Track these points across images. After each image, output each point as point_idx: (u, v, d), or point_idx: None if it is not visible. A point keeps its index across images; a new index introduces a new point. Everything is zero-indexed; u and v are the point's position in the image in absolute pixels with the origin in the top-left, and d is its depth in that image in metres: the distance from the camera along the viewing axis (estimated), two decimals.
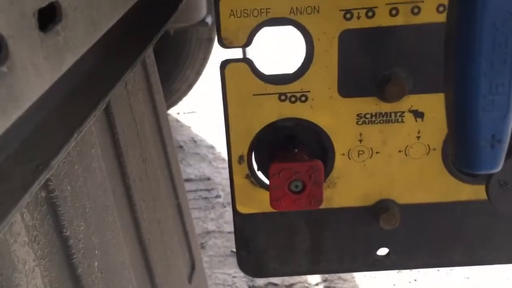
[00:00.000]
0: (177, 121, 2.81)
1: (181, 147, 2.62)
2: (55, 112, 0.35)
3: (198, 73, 2.40)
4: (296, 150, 0.46)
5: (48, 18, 0.29)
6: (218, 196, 2.28)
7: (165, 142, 0.72)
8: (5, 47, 0.23)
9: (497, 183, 0.42)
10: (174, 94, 2.46)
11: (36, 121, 0.34)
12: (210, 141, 2.56)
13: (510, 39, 0.29)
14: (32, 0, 0.26)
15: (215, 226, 2.02)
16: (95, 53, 0.43)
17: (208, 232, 2.02)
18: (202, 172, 2.37)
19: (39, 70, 0.26)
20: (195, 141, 2.63)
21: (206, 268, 1.84)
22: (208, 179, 2.36)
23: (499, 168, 0.32)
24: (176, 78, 2.37)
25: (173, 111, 2.75)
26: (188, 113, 2.80)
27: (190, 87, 2.47)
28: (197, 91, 2.45)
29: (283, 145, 0.47)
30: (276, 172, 0.43)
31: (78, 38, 0.31)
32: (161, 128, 0.71)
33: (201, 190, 2.37)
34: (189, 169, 2.37)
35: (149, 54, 0.68)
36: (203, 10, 1.65)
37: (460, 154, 0.32)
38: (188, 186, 2.44)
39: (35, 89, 0.26)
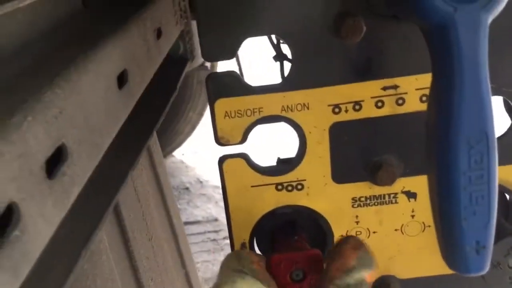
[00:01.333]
0: (182, 162, 2.84)
1: (187, 188, 2.64)
2: (62, 232, 0.37)
3: (201, 114, 2.44)
4: (296, 237, 0.47)
5: (53, 159, 0.31)
6: (226, 238, 2.29)
7: (170, 212, 0.74)
8: (17, 211, 0.25)
9: (490, 263, 0.43)
10: (178, 135, 2.50)
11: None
12: (215, 181, 2.58)
13: (485, 156, 0.31)
14: (41, 153, 0.28)
15: None
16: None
17: None
18: (209, 213, 2.39)
19: (49, 218, 0.28)
20: (200, 182, 2.64)
21: None
22: (216, 220, 2.37)
23: (486, 270, 0.34)
24: (179, 120, 2.41)
25: (177, 152, 2.78)
26: (192, 153, 2.83)
27: (193, 128, 2.51)
28: (199, 131, 2.49)
29: (283, 232, 0.48)
30: (277, 263, 0.44)
31: (83, 169, 0.34)
32: (166, 200, 0.73)
33: (209, 232, 2.38)
34: (196, 210, 2.38)
35: (153, 137, 0.70)
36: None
37: (448, 257, 0.34)
38: (196, 228, 2.45)
39: (44, 237, 0.28)
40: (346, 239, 0.45)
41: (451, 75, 0.30)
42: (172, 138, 2.46)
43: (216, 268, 2.05)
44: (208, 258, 2.11)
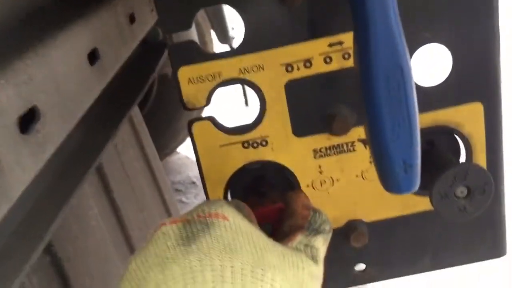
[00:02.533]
0: (187, 157, 2.89)
1: (194, 183, 2.69)
2: (46, 187, 0.42)
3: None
4: (263, 190, 0.52)
5: (27, 118, 0.36)
6: None
7: (162, 189, 0.78)
8: None
9: (438, 195, 0.47)
10: (181, 132, 2.54)
11: (31, 198, 0.40)
12: None
13: (401, 83, 0.35)
14: (13, 111, 0.33)
15: None
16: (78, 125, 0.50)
17: None
18: None
19: (25, 167, 0.33)
20: None
21: None
22: None
23: (415, 188, 0.38)
24: (181, 117, 2.46)
25: (182, 149, 2.84)
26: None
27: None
28: None
29: (253, 188, 0.53)
30: None
31: (57, 129, 0.38)
32: (156, 178, 0.77)
33: None
34: (187, 207, 2.42)
35: (135, 114, 0.75)
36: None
37: (382, 179, 0.38)
38: None
39: (22, 182, 0.33)
40: (295, 195, 0.47)
41: (366, 21, 0.34)
42: (175, 135, 2.51)
43: None
44: None
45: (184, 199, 2.57)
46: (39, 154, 0.35)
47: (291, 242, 0.40)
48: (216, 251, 0.32)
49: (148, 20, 0.71)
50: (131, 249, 0.64)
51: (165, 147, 2.22)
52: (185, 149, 2.85)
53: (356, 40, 0.37)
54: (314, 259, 0.40)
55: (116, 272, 0.57)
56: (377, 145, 0.37)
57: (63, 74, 0.41)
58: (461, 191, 0.47)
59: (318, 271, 0.40)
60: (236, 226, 0.35)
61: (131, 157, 0.68)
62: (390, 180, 0.37)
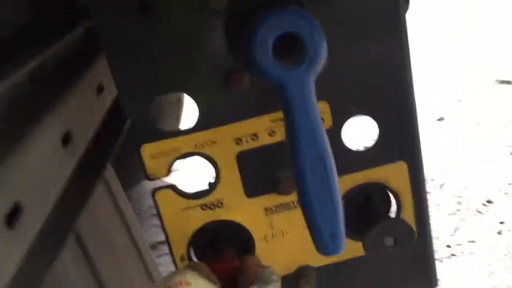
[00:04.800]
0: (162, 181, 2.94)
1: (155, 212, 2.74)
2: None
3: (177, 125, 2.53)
4: (222, 247, 0.59)
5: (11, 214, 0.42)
6: None
7: (135, 238, 0.85)
8: None
9: (369, 245, 0.55)
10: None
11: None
12: None
13: (325, 174, 0.43)
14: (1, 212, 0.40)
15: None
16: None
17: None
18: None
19: (12, 258, 0.40)
20: None
21: None
22: None
23: (341, 251, 0.46)
24: None
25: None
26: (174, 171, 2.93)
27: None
28: None
29: (212, 244, 0.60)
30: None
31: (37, 216, 0.45)
32: (131, 229, 0.84)
33: None
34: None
35: (109, 171, 0.81)
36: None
37: (314, 243, 0.46)
38: (165, 248, 2.54)
39: (10, 272, 0.40)
40: (247, 258, 0.56)
41: (291, 118, 0.42)
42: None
43: None
44: None
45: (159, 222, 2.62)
46: (23, 244, 0.42)
47: None
48: None
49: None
50: None
51: (136, 173, 2.26)
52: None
53: (285, 129, 0.45)
54: None
55: None
56: (308, 220, 0.44)
57: (38, 164, 0.48)
58: (389, 241, 0.55)
59: None
60: None
61: (104, 212, 0.74)
62: (321, 247, 0.45)
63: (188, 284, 0.44)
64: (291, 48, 0.42)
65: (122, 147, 0.73)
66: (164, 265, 1.29)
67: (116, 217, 0.79)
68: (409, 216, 0.60)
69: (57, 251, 0.50)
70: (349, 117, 0.57)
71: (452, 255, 1.80)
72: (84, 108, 0.63)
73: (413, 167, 0.59)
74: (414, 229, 0.56)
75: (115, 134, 0.74)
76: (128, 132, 1.16)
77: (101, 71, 0.73)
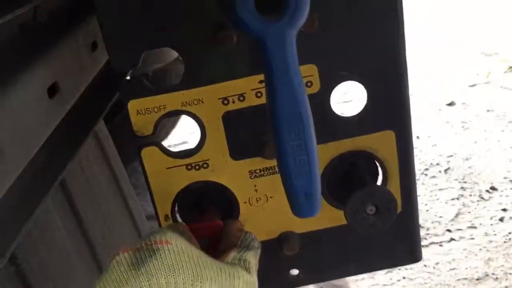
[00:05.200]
0: None
1: None
2: (10, 207, 0.48)
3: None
4: (205, 207, 0.59)
5: None
6: None
7: (127, 198, 0.85)
8: None
9: (351, 211, 0.55)
10: (162, 129, 2.59)
11: None
12: None
13: (301, 129, 0.42)
14: None
15: None
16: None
17: None
18: None
19: None
20: None
21: None
22: None
23: (317, 213, 0.45)
24: None
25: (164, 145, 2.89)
26: (179, 144, 2.94)
27: (176, 120, 2.61)
28: (184, 122, 2.59)
29: (196, 204, 0.60)
30: None
31: (15, 164, 0.45)
32: (122, 189, 0.84)
33: None
34: None
35: (101, 129, 0.82)
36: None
37: (290, 205, 0.46)
38: None
39: None
40: (230, 222, 0.56)
41: (271, 73, 0.41)
42: None
43: None
44: None
45: None
46: (1, 185, 0.42)
47: (227, 258, 0.48)
48: (162, 271, 0.41)
49: None
50: (95, 258, 0.70)
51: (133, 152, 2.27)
52: (166, 145, 2.91)
53: (265, 85, 0.44)
54: (247, 270, 0.48)
55: (80, 281, 0.64)
56: (283, 179, 0.44)
57: (22, 111, 0.48)
58: (370, 209, 0.55)
59: (252, 279, 0.47)
60: (178, 248, 0.43)
61: (95, 171, 0.75)
62: (295, 207, 0.45)
63: (168, 243, 0.44)
64: (274, 3, 0.41)
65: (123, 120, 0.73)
66: None
67: (106, 172, 0.79)
68: (395, 187, 0.59)
69: (40, 198, 0.51)
70: (338, 83, 0.56)
71: (452, 239, 1.79)
72: (75, 62, 0.63)
73: (401, 136, 0.58)
74: (399, 199, 0.55)
75: (108, 93, 0.74)
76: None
77: (97, 28, 0.73)
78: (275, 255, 0.63)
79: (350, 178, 0.59)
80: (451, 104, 2.56)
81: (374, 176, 0.61)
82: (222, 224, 0.55)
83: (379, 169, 0.60)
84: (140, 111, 0.56)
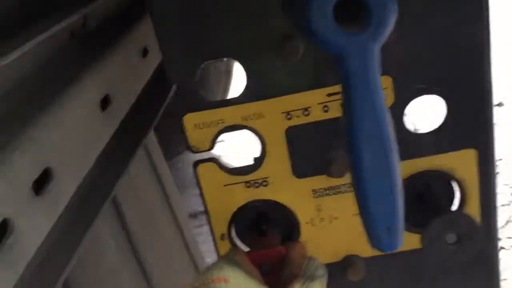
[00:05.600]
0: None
1: None
2: (60, 235, 0.45)
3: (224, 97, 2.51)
4: (265, 228, 0.55)
5: (41, 179, 0.39)
6: None
7: (174, 209, 0.82)
8: (10, 224, 0.34)
9: (428, 239, 0.50)
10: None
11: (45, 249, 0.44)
12: None
13: (384, 157, 0.37)
14: (28, 177, 0.37)
15: None
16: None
17: None
18: None
19: (38, 227, 0.37)
20: None
21: None
22: None
23: (398, 247, 0.40)
24: None
25: None
26: (218, 142, 2.92)
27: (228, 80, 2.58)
28: None
29: (255, 224, 0.56)
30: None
31: (69, 185, 0.42)
32: (169, 198, 0.81)
33: None
34: None
35: (151, 139, 0.78)
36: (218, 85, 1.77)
37: (368, 237, 0.41)
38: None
39: (37, 239, 0.37)
40: (293, 245, 0.52)
41: (350, 92, 0.37)
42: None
43: None
44: None
45: None
46: (52, 212, 0.39)
47: None
48: None
49: None
50: (144, 274, 0.67)
51: (173, 148, 2.26)
52: None
53: (343, 104, 0.40)
54: None
55: None
56: (362, 210, 0.39)
57: (75, 129, 0.45)
58: (451, 237, 0.49)
59: None
60: (236, 285, 0.39)
61: (144, 181, 0.72)
62: (375, 240, 0.40)
63: (226, 281, 0.40)
64: (353, 13, 0.36)
65: (163, 115, 0.70)
66: (206, 234, 1.26)
67: (155, 186, 0.76)
68: (474, 210, 0.54)
69: (92, 218, 0.47)
70: (414, 96, 0.50)
71: (502, 248, 1.71)
72: (127, 71, 0.59)
73: (484, 156, 0.52)
74: (479, 228, 0.50)
75: (159, 100, 0.70)
76: (170, 99, 1.13)
77: (147, 33, 0.70)
78: (337, 279, 0.58)
79: (425, 200, 0.53)
80: (499, 105, 2.45)
81: (450, 198, 0.55)
82: (285, 250, 0.51)
83: (456, 191, 0.55)
84: (198, 125, 0.52)
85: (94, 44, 0.57)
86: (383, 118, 0.36)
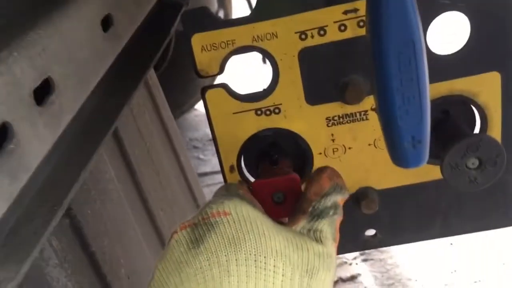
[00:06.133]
0: (205, 114, 2.91)
1: (211, 140, 2.73)
2: (65, 154, 0.43)
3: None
4: (277, 157, 0.52)
5: (42, 90, 0.37)
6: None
7: (177, 151, 0.79)
8: (10, 129, 0.31)
9: (448, 165, 0.47)
10: (198, 89, 2.54)
11: (50, 166, 0.42)
12: None
13: (413, 60, 0.34)
14: (28, 83, 0.34)
15: None
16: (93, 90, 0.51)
17: None
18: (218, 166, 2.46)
19: (41, 137, 0.34)
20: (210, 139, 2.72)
21: None
22: None
23: (423, 163, 0.38)
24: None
25: (200, 106, 2.85)
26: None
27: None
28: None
29: (266, 156, 0.53)
30: (258, 188, 0.49)
31: (71, 99, 0.39)
32: (172, 140, 0.78)
33: (220, 183, 2.47)
34: (205, 164, 2.46)
35: (151, 76, 0.75)
36: (214, 5, 1.72)
37: (391, 154, 0.38)
38: (221, 178, 2.55)
39: (39, 152, 0.34)
40: (323, 168, 0.48)
41: None
42: (192, 92, 2.52)
43: None
44: None
45: (201, 156, 2.60)
46: (54, 125, 0.36)
47: (295, 226, 0.42)
48: (222, 247, 0.36)
49: None
50: (147, 211, 0.65)
51: (182, 104, 2.23)
52: (203, 106, 2.87)
53: (367, 9, 0.37)
54: (318, 240, 0.41)
55: (132, 233, 0.59)
56: (386, 120, 0.37)
57: (76, 43, 0.42)
58: (473, 162, 0.47)
59: (325, 249, 0.41)
60: (238, 218, 0.38)
61: (146, 120, 0.69)
62: (398, 155, 0.37)
63: (227, 214, 0.38)
64: None
65: (164, 76, 0.67)
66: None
67: (156, 123, 0.73)
68: (495, 136, 0.51)
69: (97, 141, 0.45)
70: (438, 13, 0.47)
71: None
72: None
73: (508, 80, 0.49)
74: (503, 151, 0.47)
75: (161, 35, 0.67)
76: (171, 58, 1.08)
77: None
78: (350, 212, 0.56)
79: (444, 128, 0.51)
80: None
81: (470, 125, 0.53)
82: (298, 178, 0.48)
83: (476, 117, 0.52)
84: (206, 47, 0.49)
85: None
86: (414, 17, 0.34)
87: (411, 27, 0.34)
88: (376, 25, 0.35)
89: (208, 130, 2.38)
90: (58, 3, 0.41)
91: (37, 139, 0.34)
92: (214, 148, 0.55)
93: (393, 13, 0.34)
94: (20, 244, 0.34)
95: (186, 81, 2.38)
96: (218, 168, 0.55)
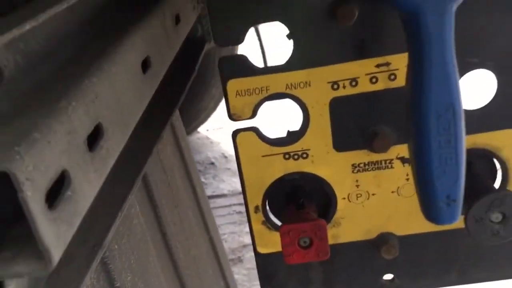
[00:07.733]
0: (207, 138, 2.92)
1: (212, 163, 2.72)
2: (101, 195, 0.44)
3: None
4: (302, 201, 0.54)
5: (92, 135, 0.38)
6: None
7: (194, 182, 0.81)
8: (68, 176, 0.32)
9: (473, 218, 0.49)
10: (203, 112, 2.56)
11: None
12: None
13: (452, 123, 0.36)
14: (83, 131, 0.35)
15: (250, 240, 2.11)
16: None
17: (244, 246, 2.11)
18: (234, 187, 2.46)
19: (91, 182, 0.35)
20: (225, 157, 2.72)
21: (245, 281, 1.93)
22: (241, 193, 2.46)
23: (456, 220, 0.39)
24: (203, 97, 2.47)
25: (202, 129, 2.86)
26: (217, 129, 2.88)
27: (217, 104, 2.58)
28: (223, 106, 2.55)
29: (291, 197, 0.55)
30: (286, 232, 0.50)
31: (116, 143, 0.40)
32: (189, 171, 0.80)
33: (234, 204, 2.46)
34: (222, 184, 2.46)
35: (175, 113, 0.77)
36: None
37: (424, 211, 0.40)
38: (222, 201, 2.54)
39: (90, 196, 0.35)
40: None
41: (422, 55, 0.35)
42: (196, 115, 2.53)
43: (243, 239, 2.14)
44: (235, 229, 2.19)
45: (202, 179, 2.60)
46: (102, 169, 0.37)
47: None
48: None
49: (191, 18, 0.72)
50: (166, 244, 0.66)
51: (187, 125, 2.25)
52: (205, 129, 2.88)
53: (409, 72, 0.38)
54: None
55: (152, 267, 0.60)
56: (422, 179, 0.38)
57: (121, 87, 0.43)
58: (496, 216, 0.48)
59: None
60: None
61: (168, 153, 0.70)
62: (433, 213, 0.39)
63: None
64: None
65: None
66: (216, 219, 1.25)
67: (176, 155, 0.74)
68: None
69: (134, 180, 0.46)
70: (467, 71, 0.49)
71: None
72: (163, 36, 0.58)
73: None
74: None
75: (189, 70, 0.69)
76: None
77: (179, 1, 0.68)
78: (370, 256, 0.57)
79: (467, 180, 0.52)
80: None
81: (492, 178, 0.54)
82: (325, 224, 0.50)
83: (498, 170, 0.54)
84: (240, 92, 0.51)
85: (133, 7, 0.55)
86: (455, 82, 0.35)
87: (452, 91, 0.36)
88: (418, 88, 0.36)
89: (209, 154, 2.39)
90: (106, 47, 0.43)
91: (88, 184, 0.35)
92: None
93: (435, 77, 0.35)
94: (64, 285, 0.35)
95: (191, 104, 2.40)
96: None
